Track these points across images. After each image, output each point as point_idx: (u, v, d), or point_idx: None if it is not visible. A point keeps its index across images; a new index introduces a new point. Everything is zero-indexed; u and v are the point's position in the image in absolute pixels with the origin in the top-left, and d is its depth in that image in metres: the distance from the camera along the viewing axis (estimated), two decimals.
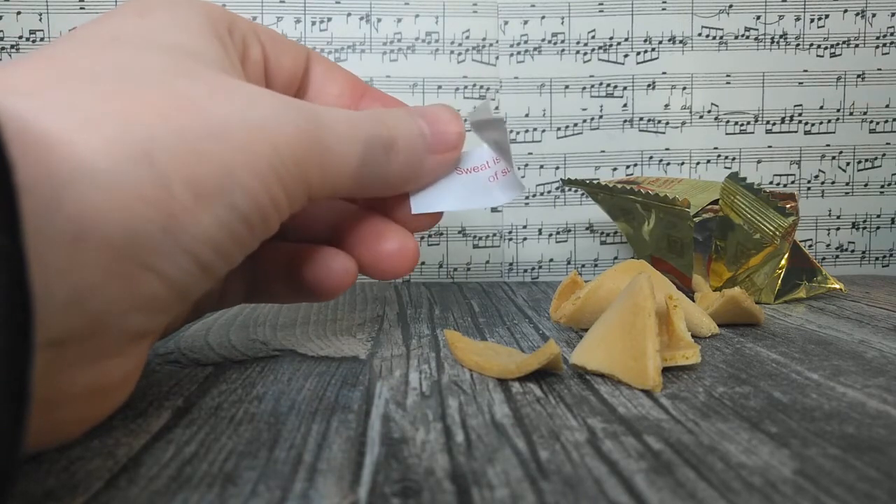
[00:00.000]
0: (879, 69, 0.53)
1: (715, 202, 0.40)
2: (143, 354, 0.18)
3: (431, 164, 0.25)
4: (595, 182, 0.45)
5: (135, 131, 0.16)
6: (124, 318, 0.16)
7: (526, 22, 0.52)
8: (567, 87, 0.52)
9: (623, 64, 0.52)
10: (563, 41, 0.52)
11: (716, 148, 0.53)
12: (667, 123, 0.53)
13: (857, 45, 0.53)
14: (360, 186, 0.23)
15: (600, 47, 0.52)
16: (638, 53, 0.52)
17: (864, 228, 0.54)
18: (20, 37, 0.49)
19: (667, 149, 0.53)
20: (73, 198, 0.14)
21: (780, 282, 0.39)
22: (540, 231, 0.53)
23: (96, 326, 0.16)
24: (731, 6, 0.52)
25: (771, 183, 0.53)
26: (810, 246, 0.54)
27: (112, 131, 0.16)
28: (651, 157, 0.53)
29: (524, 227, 0.53)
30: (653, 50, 0.52)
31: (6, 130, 0.12)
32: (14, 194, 0.11)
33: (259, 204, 0.19)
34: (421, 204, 0.26)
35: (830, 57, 0.53)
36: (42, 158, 0.14)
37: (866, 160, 0.53)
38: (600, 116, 0.53)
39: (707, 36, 0.52)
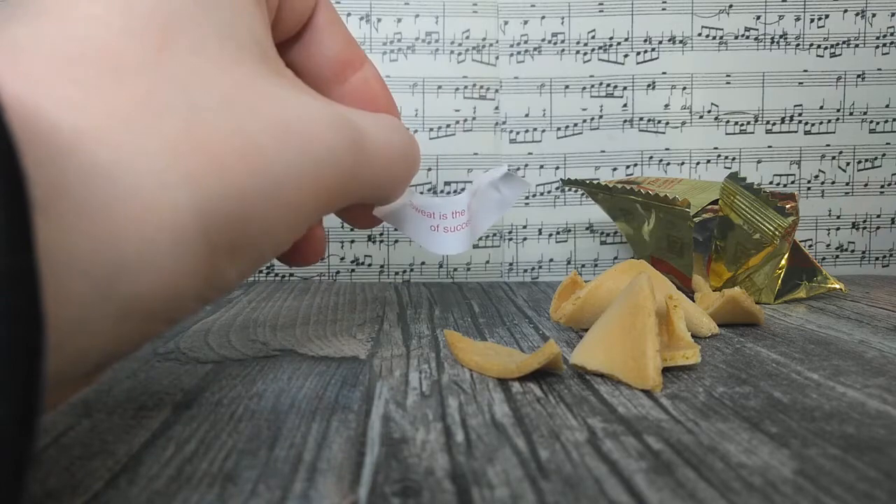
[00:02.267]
0: (879, 69, 0.53)
1: (715, 202, 0.40)
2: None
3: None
4: (595, 182, 0.45)
5: (200, 200, 0.15)
6: (117, 359, 0.16)
7: (526, 22, 0.52)
8: (567, 87, 0.52)
9: (623, 64, 0.52)
10: (563, 41, 0.52)
11: (716, 148, 0.53)
12: (667, 123, 0.53)
13: (857, 45, 0.53)
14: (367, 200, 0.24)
15: (600, 47, 0.52)
16: (638, 53, 0.52)
17: (864, 228, 0.54)
18: None
19: (667, 149, 0.53)
20: (129, 281, 0.13)
21: (780, 282, 0.39)
22: (540, 231, 0.53)
23: (89, 368, 0.15)
24: (731, 6, 0.52)
25: (771, 183, 0.53)
26: (810, 246, 0.54)
27: (179, 200, 0.14)
28: (651, 157, 0.53)
29: (524, 227, 0.53)
30: (653, 50, 0.52)
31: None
32: (29, 211, 0.10)
33: (281, 246, 0.19)
34: (381, 211, 0.27)
35: (830, 57, 0.53)
36: (109, 224, 0.13)
37: (866, 160, 0.53)
38: (600, 116, 0.53)
39: (707, 36, 0.52)
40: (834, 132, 0.53)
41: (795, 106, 0.53)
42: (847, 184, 0.54)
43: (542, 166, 0.53)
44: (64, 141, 0.13)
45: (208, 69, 0.17)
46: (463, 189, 0.52)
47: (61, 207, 0.12)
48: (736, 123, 0.53)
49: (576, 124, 0.52)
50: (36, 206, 0.11)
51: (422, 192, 0.52)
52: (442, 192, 0.52)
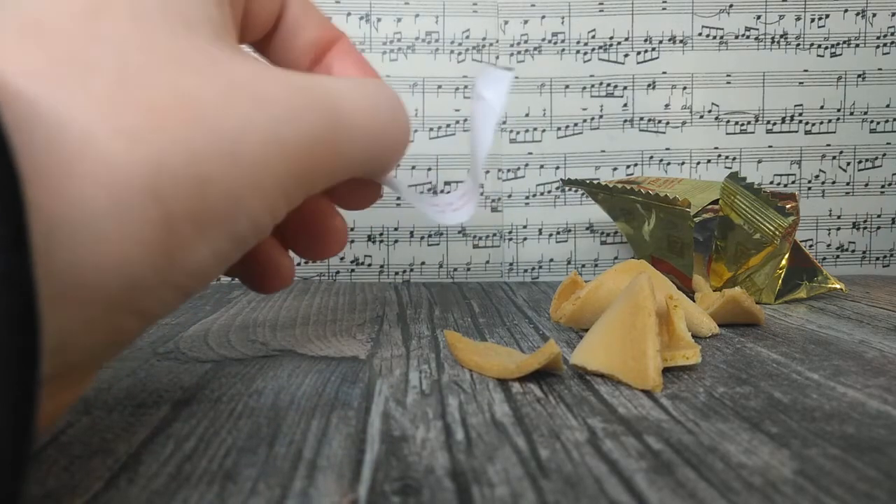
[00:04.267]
0: (880, 69, 0.53)
1: (715, 202, 0.40)
2: (94, 376, 0.17)
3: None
4: (595, 182, 0.45)
5: (141, 155, 0.13)
6: (97, 359, 0.15)
7: (526, 22, 0.52)
8: (567, 86, 0.52)
9: (623, 64, 0.52)
10: (563, 41, 0.52)
11: (716, 148, 0.53)
12: (667, 123, 0.53)
13: (857, 45, 0.53)
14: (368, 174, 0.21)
15: (600, 47, 0.52)
16: (638, 53, 0.52)
17: (865, 228, 0.54)
18: None
19: (667, 149, 0.53)
20: (65, 249, 0.12)
21: (780, 282, 0.39)
22: (540, 231, 0.53)
23: (66, 369, 0.14)
24: (731, 6, 0.52)
25: (771, 183, 0.53)
26: (811, 246, 0.54)
27: (116, 154, 0.13)
28: (651, 157, 0.53)
29: (524, 227, 0.53)
30: (653, 50, 0.52)
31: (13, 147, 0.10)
32: (23, 210, 0.10)
33: (260, 225, 0.17)
34: (388, 179, 0.25)
35: (831, 57, 0.53)
36: (46, 187, 0.12)
37: (867, 160, 0.53)
38: (600, 116, 0.53)
39: (707, 36, 0.52)
40: (834, 132, 0.53)
41: (796, 106, 0.53)
42: (847, 184, 0.54)
43: (542, 166, 0.53)
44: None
45: (147, 36, 0.15)
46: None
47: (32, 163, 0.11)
48: (736, 123, 0.53)
49: (576, 124, 0.52)
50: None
51: (422, 192, 0.51)
52: (442, 192, 0.52)
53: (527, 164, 0.53)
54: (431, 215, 0.26)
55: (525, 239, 0.53)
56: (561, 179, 0.52)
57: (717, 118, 0.53)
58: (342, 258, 0.52)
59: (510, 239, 0.53)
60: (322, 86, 0.19)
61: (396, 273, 0.52)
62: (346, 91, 0.19)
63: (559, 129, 0.52)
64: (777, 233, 0.37)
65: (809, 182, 0.54)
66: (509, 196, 0.53)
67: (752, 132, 0.53)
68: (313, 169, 0.18)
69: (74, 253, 0.12)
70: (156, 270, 0.14)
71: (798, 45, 0.53)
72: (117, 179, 0.13)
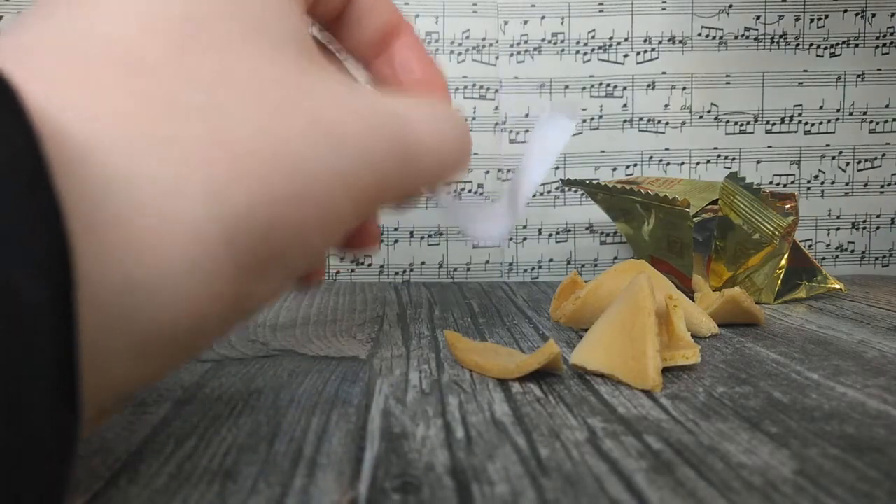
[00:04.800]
0: (879, 69, 0.53)
1: (715, 202, 0.40)
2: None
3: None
4: (595, 182, 0.45)
5: (223, 210, 0.13)
6: (144, 387, 0.15)
7: (526, 22, 0.52)
8: (567, 87, 0.52)
9: (623, 64, 0.52)
10: (563, 41, 0.52)
11: (716, 148, 0.53)
12: (667, 123, 0.53)
13: (856, 46, 0.53)
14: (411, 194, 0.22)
15: (600, 47, 0.52)
16: (638, 53, 0.52)
17: (864, 228, 0.54)
18: None
19: (667, 149, 0.53)
20: (147, 306, 0.12)
21: (780, 282, 0.39)
22: (540, 231, 0.53)
23: (112, 400, 0.14)
24: (730, 6, 0.52)
25: (771, 183, 0.53)
26: (810, 246, 0.54)
27: (200, 211, 0.13)
28: (651, 157, 0.53)
29: (524, 227, 0.53)
30: (653, 50, 0.52)
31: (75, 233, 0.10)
32: (72, 282, 0.10)
33: (318, 258, 0.17)
34: None
35: (830, 57, 0.53)
36: (131, 251, 0.12)
37: (866, 160, 0.53)
38: (600, 116, 0.53)
39: (707, 36, 0.52)
40: (834, 132, 0.53)
41: (795, 106, 0.53)
42: (847, 184, 0.54)
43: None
44: (74, 151, 0.12)
45: (233, 67, 0.15)
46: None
47: (101, 223, 0.11)
48: (736, 123, 0.53)
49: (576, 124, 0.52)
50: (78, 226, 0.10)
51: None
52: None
53: None
54: (469, 229, 0.26)
55: (525, 239, 0.53)
56: (561, 179, 0.52)
57: (716, 118, 0.53)
58: (342, 258, 0.52)
59: (510, 239, 0.53)
60: (396, 116, 0.18)
61: (396, 273, 0.52)
62: (417, 120, 0.19)
63: None
64: (776, 233, 0.37)
65: (809, 182, 0.54)
66: None
67: (752, 132, 0.53)
68: (376, 202, 0.18)
69: (153, 311, 0.12)
70: (222, 318, 0.14)
71: (797, 45, 0.53)
72: (200, 238, 0.13)
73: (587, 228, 0.53)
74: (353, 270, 0.52)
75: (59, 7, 0.15)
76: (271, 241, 0.15)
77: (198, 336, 0.14)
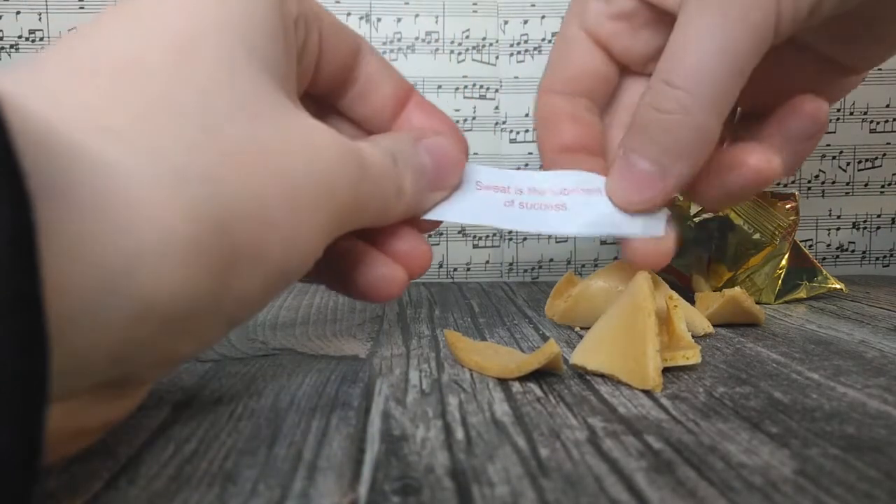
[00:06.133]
0: (879, 69, 0.53)
1: None
2: (148, 388, 0.19)
3: (431, 200, 0.25)
4: None
5: (217, 194, 0.15)
6: (151, 373, 0.17)
7: (526, 21, 0.52)
8: None
9: None
10: None
11: None
12: None
13: None
14: (366, 225, 0.23)
15: None
16: None
17: (865, 228, 0.54)
18: (20, 36, 0.49)
19: None
20: (145, 273, 0.13)
21: (780, 282, 0.39)
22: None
23: (124, 378, 0.16)
24: None
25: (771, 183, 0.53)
26: (810, 246, 0.54)
27: (196, 192, 0.15)
28: None
29: None
30: None
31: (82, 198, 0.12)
32: (34, 234, 0.10)
33: (306, 261, 0.19)
34: (431, 212, 0.25)
35: None
36: (122, 219, 0.13)
37: (866, 160, 0.53)
38: None
39: None
40: (834, 132, 0.53)
41: None
42: (847, 184, 0.54)
43: (541, 166, 0.53)
44: (76, 139, 0.13)
45: (229, 78, 0.17)
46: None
47: (72, 199, 0.12)
48: None
49: None
50: (46, 200, 0.11)
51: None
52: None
53: (527, 164, 0.53)
54: (501, 222, 0.26)
55: (525, 239, 0.53)
56: None
57: None
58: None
59: (510, 239, 0.53)
60: (353, 144, 0.20)
61: None
62: (369, 147, 0.21)
63: None
64: (777, 233, 0.37)
65: (809, 182, 0.54)
66: None
67: None
68: (347, 220, 0.20)
69: (152, 278, 0.13)
70: (213, 296, 0.15)
71: None
72: (198, 218, 0.15)
73: None
74: None
75: (76, 36, 0.17)
76: (264, 234, 0.16)
77: (191, 311, 0.15)
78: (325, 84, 0.24)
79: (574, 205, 0.26)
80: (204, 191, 0.15)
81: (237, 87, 0.17)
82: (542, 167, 0.30)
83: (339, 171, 0.19)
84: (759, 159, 0.25)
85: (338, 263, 0.23)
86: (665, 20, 0.25)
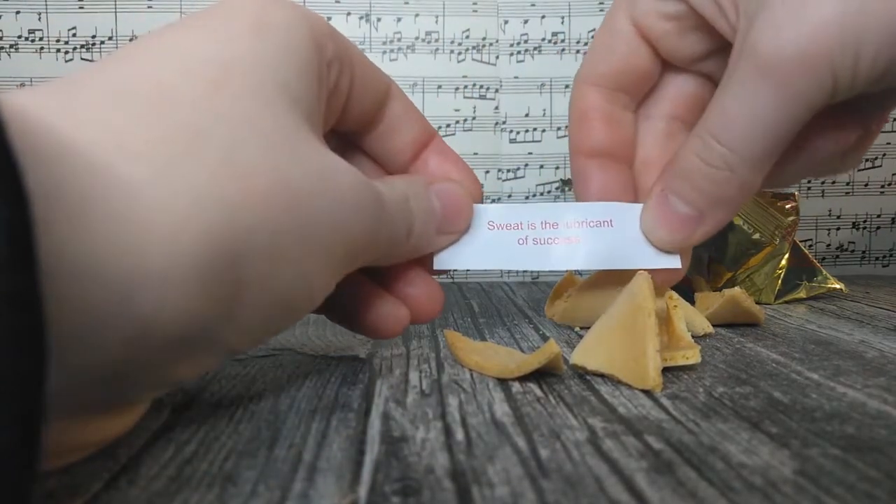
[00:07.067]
0: None
1: None
2: (147, 404, 0.19)
3: (438, 244, 0.25)
4: None
5: (232, 223, 0.15)
6: (150, 394, 0.17)
7: (526, 21, 0.52)
8: (567, 86, 0.52)
9: None
10: (563, 41, 0.52)
11: None
12: None
13: None
14: (373, 262, 0.23)
15: None
16: None
17: (865, 228, 0.54)
18: (19, 36, 0.49)
19: None
20: (148, 295, 0.13)
21: (780, 282, 0.39)
22: None
23: (121, 399, 0.16)
24: None
25: None
26: (810, 246, 0.54)
27: (210, 219, 0.15)
28: None
29: None
30: None
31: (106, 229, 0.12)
32: (31, 229, 0.10)
33: (314, 299, 0.19)
34: (441, 261, 0.26)
35: None
36: (133, 239, 0.13)
37: (866, 160, 0.53)
38: None
39: None
40: None
41: None
42: (847, 184, 0.54)
43: (542, 166, 0.53)
44: (96, 157, 0.13)
45: (257, 112, 0.17)
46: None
47: (89, 215, 0.12)
48: None
49: None
50: (64, 216, 0.11)
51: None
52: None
53: (527, 164, 0.53)
54: (514, 263, 0.26)
55: None
56: (561, 179, 0.52)
57: None
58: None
59: None
60: (373, 186, 0.21)
61: None
62: (387, 188, 0.22)
63: (559, 129, 0.52)
64: (777, 233, 0.37)
65: (809, 182, 0.54)
66: (509, 196, 0.53)
67: None
68: (361, 258, 0.21)
69: (154, 302, 0.13)
70: (216, 325, 0.16)
71: None
72: (211, 245, 0.15)
73: None
74: None
75: (111, 60, 0.17)
76: (275, 269, 0.17)
77: (194, 336, 0.15)
78: (351, 123, 0.24)
79: (587, 238, 0.26)
80: (219, 218, 0.15)
81: (265, 120, 0.17)
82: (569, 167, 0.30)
83: (358, 212, 0.19)
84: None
85: (341, 298, 0.23)
86: (714, 29, 0.25)
